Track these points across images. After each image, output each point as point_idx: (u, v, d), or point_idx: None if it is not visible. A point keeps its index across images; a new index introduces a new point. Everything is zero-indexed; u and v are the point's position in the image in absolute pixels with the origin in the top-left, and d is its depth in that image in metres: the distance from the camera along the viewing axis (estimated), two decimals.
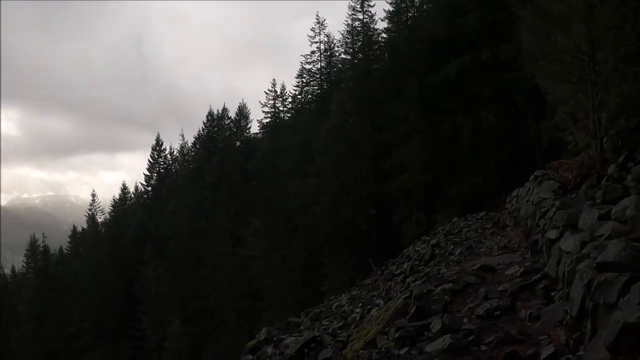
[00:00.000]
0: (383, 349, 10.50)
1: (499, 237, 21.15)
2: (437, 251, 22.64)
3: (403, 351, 9.88)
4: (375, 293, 22.40)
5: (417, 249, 26.16)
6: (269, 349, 16.74)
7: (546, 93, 21.00)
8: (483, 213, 29.42)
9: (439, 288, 12.41)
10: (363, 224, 46.75)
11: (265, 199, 59.62)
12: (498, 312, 10.49)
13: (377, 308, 16.37)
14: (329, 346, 13.90)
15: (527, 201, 19.30)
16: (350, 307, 21.03)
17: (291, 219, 55.32)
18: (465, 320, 10.48)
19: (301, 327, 20.48)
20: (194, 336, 62.19)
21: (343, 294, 27.55)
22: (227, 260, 64.30)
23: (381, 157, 45.39)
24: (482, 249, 19.52)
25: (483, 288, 11.91)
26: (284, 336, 17.95)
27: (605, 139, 16.51)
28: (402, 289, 18.51)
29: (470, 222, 27.53)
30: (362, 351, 11.28)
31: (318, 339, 14.71)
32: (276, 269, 55.76)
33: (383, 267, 28.94)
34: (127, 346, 68.67)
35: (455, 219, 30.67)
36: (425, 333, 10.28)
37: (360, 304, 20.16)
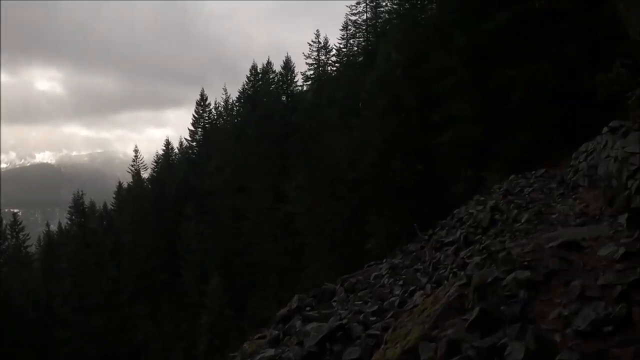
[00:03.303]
0: None
1: (571, 200, 17.16)
2: (497, 216, 18.31)
3: None
4: (420, 266, 18.47)
5: (470, 210, 21.83)
6: (298, 324, 14.74)
7: (627, 26, 17.21)
8: (543, 170, 25.45)
9: (510, 276, 8.47)
10: (410, 179, 43.46)
11: (309, 153, 56.76)
12: (609, 328, 6.59)
13: (421, 292, 13.10)
14: (358, 340, 11.00)
15: (607, 157, 15.39)
16: (390, 281, 17.65)
17: (335, 174, 52.11)
18: (558, 338, 6.64)
19: (335, 299, 18.21)
20: (234, 292, 60.15)
21: (384, 260, 24.10)
22: (270, 216, 61.86)
23: (428, 109, 41.72)
24: (554, 215, 15.51)
25: (577, 282, 7.93)
26: (312, 313, 15.77)
27: None
28: (454, 265, 14.81)
29: (530, 181, 23.34)
30: None
31: (346, 326, 11.84)
32: (319, 226, 53.28)
33: (430, 232, 24.91)
34: (168, 302, 67.18)
35: (512, 176, 26.62)
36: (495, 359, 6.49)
37: (401, 282, 16.53)
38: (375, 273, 20.51)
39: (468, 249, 16.13)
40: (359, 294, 17.69)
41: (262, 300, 60.46)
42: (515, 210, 17.58)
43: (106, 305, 62.57)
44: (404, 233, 35.33)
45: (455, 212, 24.89)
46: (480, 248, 14.75)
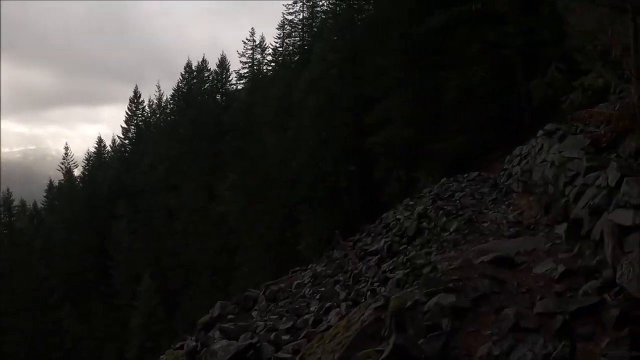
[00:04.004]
0: None
1: (504, 207, 15.92)
2: (424, 224, 16.94)
3: None
4: (341, 277, 17.27)
5: (398, 216, 20.55)
6: (217, 334, 13.78)
7: (567, 27, 16.35)
8: (475, 174, 24.25)
9: (433, 301, 7.16)
10: (343, 180, 42.53)
11: (242, 152, 55.40)
12: None
13: (337, 310, 12.17)
14: None
15: (543, 162, 14.31)
16: (310, 292, 16.77)
17: (268, 174, 50.84)
18: None
19: (256, 308, 17.58)
20: (167, 293, 58.65)
21: (310, 266, 23.06)
22: (202, 216, 60.28)
23: (362, 110, 41.05)
24: (486, 224, 14.22)
25: (510, 310, 6.62)
26: (228, 325, 14.43)
27: None
28: (375, 279, 13.62)
29: (462, 185, 22.00)
30: None
31: (257, 345, 10.83)
32: (252, 225, 51.87)
33: (357, 237, 23.64)
34: (99, 302, 64.76)
35: (443, 179, 25.39)
36: None
37: (318, 296, 15.45)
38: (298, 281, 19.63)
39: (391, 261, 14.96)
40: (279, 303, 16.98)
41: (195, 300, 58.80)
42: (444, 218, 16.28)
43: (35, 305, 59.87)
44: (336, 236, 34.53)
45: (383, 216, 23.73)
46: (404, 260, 13.59)
